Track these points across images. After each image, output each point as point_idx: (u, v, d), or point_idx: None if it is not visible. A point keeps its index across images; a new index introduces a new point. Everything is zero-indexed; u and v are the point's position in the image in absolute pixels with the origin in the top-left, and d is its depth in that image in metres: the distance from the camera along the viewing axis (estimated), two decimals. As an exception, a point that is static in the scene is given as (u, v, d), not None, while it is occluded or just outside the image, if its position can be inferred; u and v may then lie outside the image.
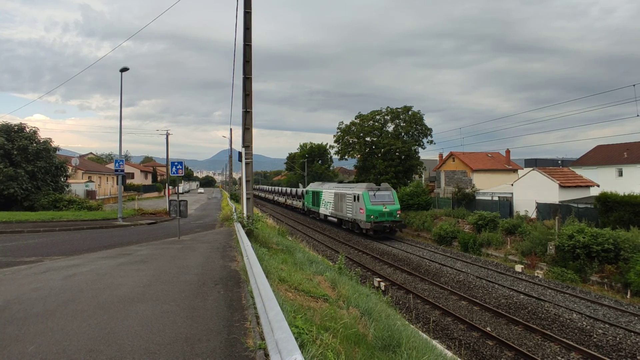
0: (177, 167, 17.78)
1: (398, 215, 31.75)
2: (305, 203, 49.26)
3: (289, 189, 64.14)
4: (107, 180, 60.17)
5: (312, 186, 48.51)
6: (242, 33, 14.67)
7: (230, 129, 58.90)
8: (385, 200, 31.54)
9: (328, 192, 40.52)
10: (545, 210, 27.20)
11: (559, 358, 11.00)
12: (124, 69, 28.15)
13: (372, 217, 30.55)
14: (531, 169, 34.01)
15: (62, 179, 35.41)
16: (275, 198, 74.35)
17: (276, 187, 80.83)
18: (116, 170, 30.49)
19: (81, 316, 5.92)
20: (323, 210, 41.82)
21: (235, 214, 21.99)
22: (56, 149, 34.29)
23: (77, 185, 42.25)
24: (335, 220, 38.82)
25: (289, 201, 61.13)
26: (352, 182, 44.82)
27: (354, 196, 33.10)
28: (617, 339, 11.90)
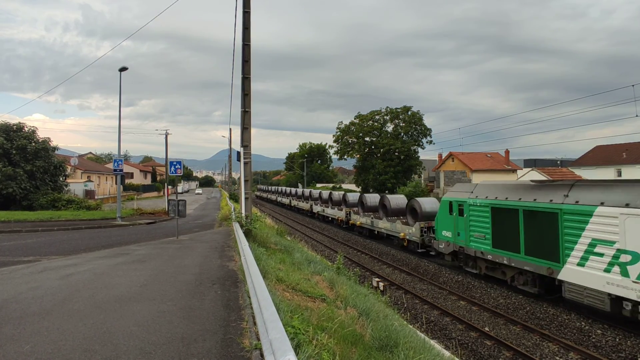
0: (176, 166, 17.78)
1: None
2: (447, 234, 19.22)
3: (365, 196, 32.85)
4: (106, 180, 60.17)
5: (513, 188, 16.05)
6: (241, 33, 14.69)
7: (230, 129, 58.81)
8: None
9: None
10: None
11: (557, 358, 10.99)
12: (123, 69, 28.19)
13: None
14: (530, 169, 34.04)
15: (61, 179, 35.45)
16: (319, 210, 41.71)
17: (319, 192, 45.33)
18: (115, 170, 30.51)
19: (77, 316, 5.91)
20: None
21: (234, 213, 21.98)
22: (55, 148, 34.32)
23: (76, 185, 42.25)
24: None
25: (367, 221, 30.24)
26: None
27: None
28: (617, 339, 11.89)
